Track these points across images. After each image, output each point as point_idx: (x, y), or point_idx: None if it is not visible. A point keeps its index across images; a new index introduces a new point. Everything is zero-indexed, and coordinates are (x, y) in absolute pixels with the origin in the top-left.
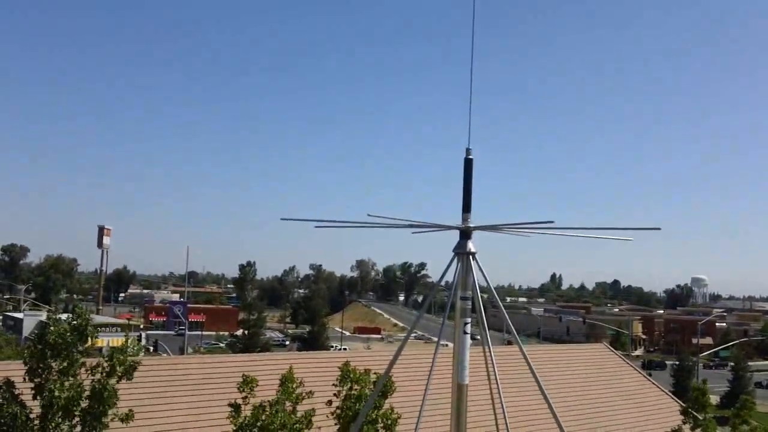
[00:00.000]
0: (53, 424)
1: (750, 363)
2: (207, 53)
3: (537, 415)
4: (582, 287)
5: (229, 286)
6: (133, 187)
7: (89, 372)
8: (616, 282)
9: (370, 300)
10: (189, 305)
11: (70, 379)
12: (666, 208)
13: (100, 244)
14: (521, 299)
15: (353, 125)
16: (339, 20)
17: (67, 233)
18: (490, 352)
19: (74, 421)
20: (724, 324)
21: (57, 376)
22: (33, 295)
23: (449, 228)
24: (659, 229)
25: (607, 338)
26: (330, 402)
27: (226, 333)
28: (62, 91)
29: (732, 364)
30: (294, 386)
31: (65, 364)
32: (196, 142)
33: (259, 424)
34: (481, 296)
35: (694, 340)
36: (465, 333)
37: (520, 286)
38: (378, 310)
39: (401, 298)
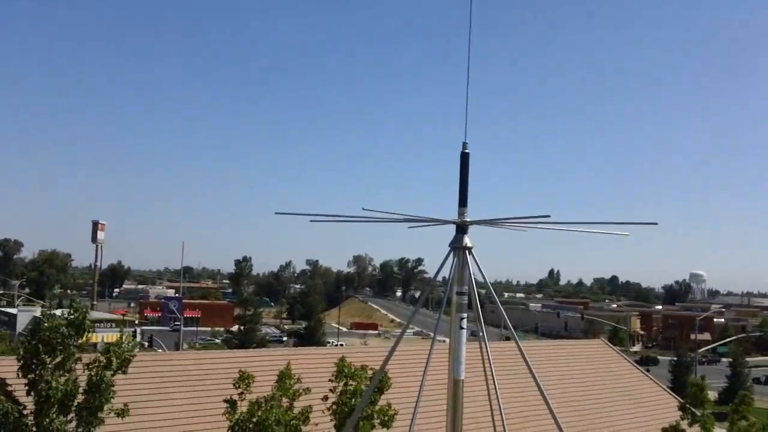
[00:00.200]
0: (48, 419)
1: (748, 359)
2: (207, 51)
3: (534, 411)
4: (580, 283)
5: (224, 281)
6: (128, 183)
7: (86, 367)
8: (614, 278)
9: (367, 296)
10: (184, 301)
11: (66, 374)
12: (664, 204)
13: (94, 239)
14: (519, 295)
15: (352, 125)
16: (339, 20)
17: (61, 228)
18: (486, 347)
19: (69, 417)
20: (723, 320)
21: (52, 370)
22: (27, 290)
23: (445, 222)
24: (656, 223)
25: (605, 334)
26: (326, 398)
27: (222, 329)
28: (59, 85)
29: (728, 359)
30: (291, 382)
31: (61, 358)
32: (194, 139)
33: (254, 419)
34: (478, 292)
35: (692, 336)
36: (461, 328)
37: (518, 281)
38: (375, 306)
39: (398, 293)
